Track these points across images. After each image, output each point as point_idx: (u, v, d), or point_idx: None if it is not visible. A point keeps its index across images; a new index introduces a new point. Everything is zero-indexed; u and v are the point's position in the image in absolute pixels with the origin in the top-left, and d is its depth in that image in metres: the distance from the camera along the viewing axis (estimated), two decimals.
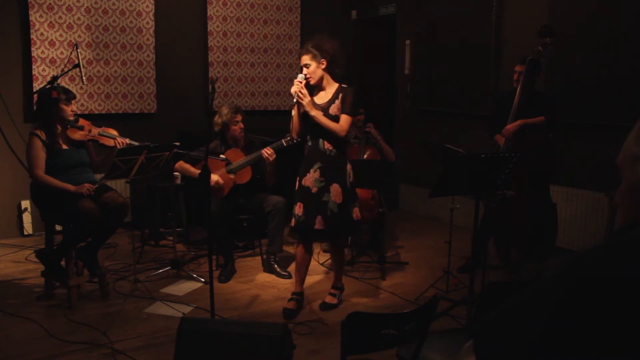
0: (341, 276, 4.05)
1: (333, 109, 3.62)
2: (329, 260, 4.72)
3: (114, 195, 3.95)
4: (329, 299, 3.96)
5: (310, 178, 3.67)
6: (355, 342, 2.01)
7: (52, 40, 5.46)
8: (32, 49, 5.39)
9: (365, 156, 4.92)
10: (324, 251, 5.04)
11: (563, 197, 4.89)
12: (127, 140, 4.03)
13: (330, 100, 3.64)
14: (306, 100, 3.56)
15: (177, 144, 4.77)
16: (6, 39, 5.36)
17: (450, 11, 5.93)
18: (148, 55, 5.93)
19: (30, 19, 5.35)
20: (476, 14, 5.64)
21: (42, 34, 5.42)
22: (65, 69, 4.82)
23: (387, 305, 4.03)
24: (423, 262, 4.94)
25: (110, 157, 3.83)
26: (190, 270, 4.55)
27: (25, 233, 5.52)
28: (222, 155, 4.40)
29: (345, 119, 3.61)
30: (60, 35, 5.50)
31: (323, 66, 3.61)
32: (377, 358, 2.41)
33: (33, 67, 5.41)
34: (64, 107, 3.92)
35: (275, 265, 4.57)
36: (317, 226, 3.64)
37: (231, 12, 6.38)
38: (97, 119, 4.95)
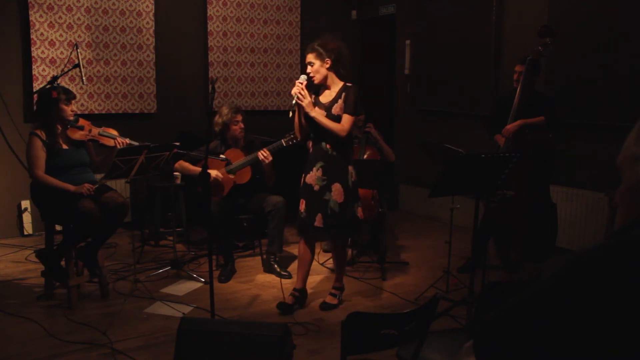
0: (342, 276, 4.05)
1: (336, 109, 3.62)
2: (330, 261, 4.72)
3: (114, 195, 3.95)
4: (329, 299, 3.96)
5: (313, 176, 3.70)
6: (355, 342, 2.01)
7: (52, 40, 5.46)
8: (32, 49, 5.39)
9: (365, 156, 4.93)
10: (325, 251, 5.04)
11: (563, 197, 4.89)
12: (127, 140, 4.03)
13: (333, 99, 3.65)
14: (306, 101, 3.57)
15: (177, 144, 4.77)
16: (6, 39, 5.36)
17: (450, 11, 5.93)
18: (148, 55, 5.93)
19: (30, 19, 5.36)
20: (476, 14, 5.64)
21: (42, 34, 5.42)
22: (65, 69, 4.82)
23: (387, 305, 4.03)
24: (423, 262, 4.94)
25: (110, 157, 3.83)
26: (190, 270, 4.54)
27: (25, 233, 5.52)
28: (222, 155, 4.40)
29: (346, 119, 3.61)
30: (60, 35, 5.50)
31: (327, 65, 3.62)
32: (377, 358, 2.41)
33: (33, 67, 5.41)
34: (64, 107, 3.92)
35: (275, 265, 4.57)
36: (317, 223, 3.68)
37: (231, 12, 6.38)
38: (97, 119, 4.95)
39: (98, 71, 5.72)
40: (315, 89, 3.70)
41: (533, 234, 4.35)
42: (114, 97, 5.83)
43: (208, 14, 6.25)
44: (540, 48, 4.13)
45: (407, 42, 6.62)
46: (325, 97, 3.70)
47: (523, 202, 4.21)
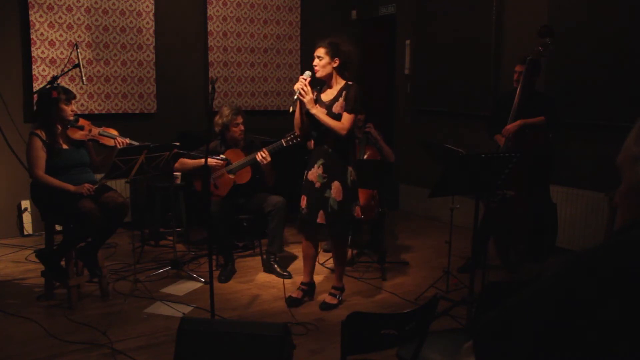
0: (342, 276, 4.05)
1: (336, 107, 3.63)
2: (330, 261, 4.72)
3: (114, 195, 3.95)
4: (329, 299, 3.96)
5: (314, 173, 3.73)
6: (355, 342, 2.01)
7: (52, 40, 5.46)
8: (32, 49, 5.39)
9: (365, 156, 4.93)
10: (325, 251, 5.04)
11: (563, 197, 4.89)
12: (127, 140, 4.03)
13: (334, 98, 3.67)
14: (307, 97, 3.58)
15: (177, 144, 4.76)
16: (6, 39, 5.36)
17: (450, 11, 5.93)
18: (148, 55, 5.93)
19: (30, 19, 5.35)
20: (476, 14, 5.64)
21: (42, 34, 5.42)
22: (65, 69, 4.82)
23: (387, 305, 4.03)
24: (423, 262, 4.94)
25: (110, 157, 3.83)
26: (190, 270, 4.54)
27: (25, 233, 5.52)
28: (222, 155, 4.40)
29: (346, 118, 3.61)
30: (60, 35, 5.50)
31: (335, 64, 3.64)
32: (377, 358, 2.41)
33: (33, 67, 5.41)
34: (64, 107, 3.92)
35: (275, 265, 4.57)
36: (320, 220, 3.72)
37: (231, 12, 6.38)
38: (97, 119, 4.94)
39: (98, 71, 5.72)
40: (319, 86, 3.71)
41: (533, 234, 4.34)
42: (114, 97, 5.83)
43: (208, 14, 6.25)
44: (540, 48, 4.13)
45: (407, 42, 6.62)
46: (327, 95, 3.72)
47: (523, 202, 4.21)
